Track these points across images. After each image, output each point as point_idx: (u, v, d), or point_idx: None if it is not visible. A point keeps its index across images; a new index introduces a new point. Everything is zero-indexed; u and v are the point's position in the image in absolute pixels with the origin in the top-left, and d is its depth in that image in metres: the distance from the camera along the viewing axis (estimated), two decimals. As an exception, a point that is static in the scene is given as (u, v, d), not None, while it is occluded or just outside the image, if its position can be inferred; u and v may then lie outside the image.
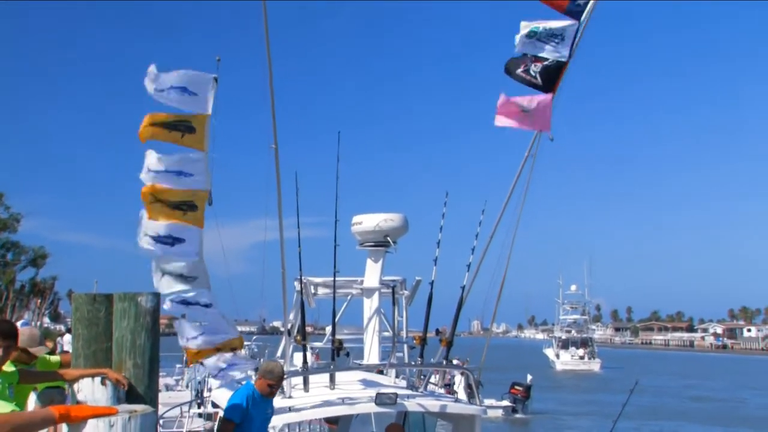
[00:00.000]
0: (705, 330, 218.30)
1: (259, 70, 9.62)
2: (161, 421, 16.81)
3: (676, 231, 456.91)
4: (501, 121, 10.27)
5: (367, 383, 9.82)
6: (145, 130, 9.47)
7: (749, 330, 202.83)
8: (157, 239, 9.58)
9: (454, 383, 19.76)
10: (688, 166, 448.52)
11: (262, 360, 10.84)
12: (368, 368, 10.79)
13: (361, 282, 11.79)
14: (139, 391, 5.34)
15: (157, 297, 5.72)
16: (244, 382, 8.96)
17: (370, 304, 11.60)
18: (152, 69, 9.55)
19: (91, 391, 5.00)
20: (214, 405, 11.04)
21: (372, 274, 11.57)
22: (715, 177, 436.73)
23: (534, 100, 10.22)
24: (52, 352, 13.37)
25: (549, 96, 10.27)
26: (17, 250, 75.98)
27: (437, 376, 11.05)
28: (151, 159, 9.43)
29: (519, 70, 10.26)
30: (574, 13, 10.05)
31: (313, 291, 11.44)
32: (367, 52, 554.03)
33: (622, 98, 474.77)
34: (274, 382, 8.03)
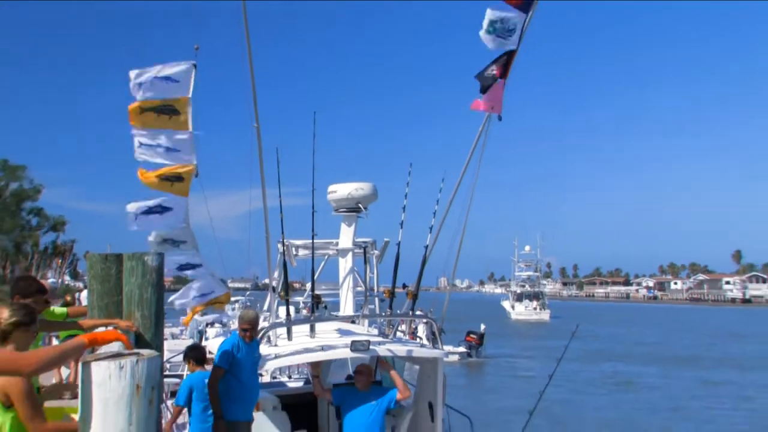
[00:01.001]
0: (639, 284, 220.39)
1: (242, 53, 9.66)
2: (167, 365, 16.87)
3: (617, 195, 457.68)
4: (474, 106, 10.45)
5: (343, 332, 9.84)
6: (136, 118, 9.76)
7: (676, 283, 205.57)
8: (149, 210, 9.91)
9: (417, 331, 19.88)
10: (628, 134, 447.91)
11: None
12: (344, 319, 10.86)
13: (337, 243, 11.83)
14: (146, 339, 5.40)
15: (161, 257, 5.73)
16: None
17: (344, 263, 11.65)
18: (132, 74, 9.76)
19: (104, 338, 5.07)
20: (209, 352, 11.17)
21: (346, 236, 11.60)
22: (650, 146, 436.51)
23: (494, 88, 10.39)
24: (71, 305, 13.52)
25: (501, 81, 10.37)
26: (41, 217, 76.32)
27: (404, 325, 11.14)
28: (142, 138, 9.76)
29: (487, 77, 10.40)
30: (525, 6, 10.15)
31: (294, 252, 11.47)
32: (343, 37, 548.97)
33: (564, 74, 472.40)
34: (247, 326, 8.12)
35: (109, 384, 4.15)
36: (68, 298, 18.63)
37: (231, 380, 8.10)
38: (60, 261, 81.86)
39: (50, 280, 38.74)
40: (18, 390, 4.56)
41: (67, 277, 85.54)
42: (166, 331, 28.14)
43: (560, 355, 10.40)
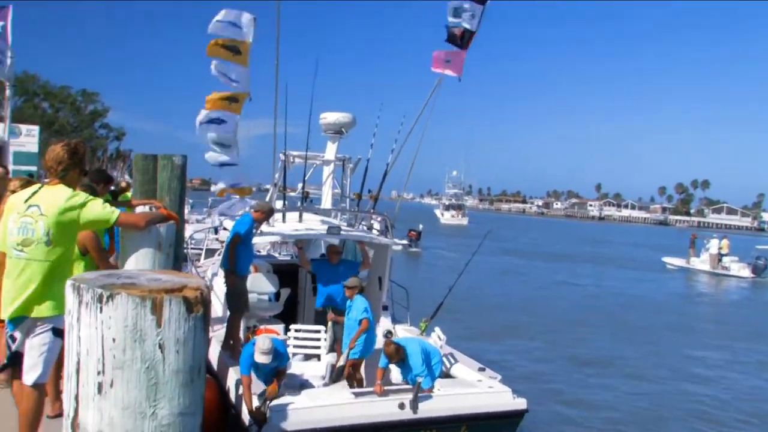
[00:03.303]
0: (532, 203, 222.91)
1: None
2: (193, 241, 16.70)
3: (522, 136, 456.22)
4: (436, 69, 10.34)
5: (323, 221, 9.72)
6: (211, 49, 9.86)
7: (557, 204, 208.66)
8: (211, 120, 10.07)
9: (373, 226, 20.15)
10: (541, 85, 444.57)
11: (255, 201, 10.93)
12: (324, 211, 10.74)
13: (323, 156, 11.56)
14: (171, 215, 5.52)
15: (185, 158, 5.84)
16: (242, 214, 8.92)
17: (327, 171, 11.45)
18: (222, 13, 9.85)
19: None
20: (224, 229, 11.15)
21: (330, 151, 11.36)
22: (550, 94, 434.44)
23: (454, 54, 10.33)
24: (126, 189, 13.67)
25: (463, 51, 10.35)
26: (108, 129, 78.01)
27: (364, 222, 11.04)
28: (215, 70, 9.91)
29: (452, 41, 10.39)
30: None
31: (292, 160, 11.28)
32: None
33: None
34: (264, 214, 8.05)
35: (141, 242, 4.34)
36: (123, 184, 18.32)
37: (242, 247, 7.99)
38: (122, 164, 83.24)
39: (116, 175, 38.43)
40: (91, 242, 5.23)
41: (126, 176, 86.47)
42: (193, 218, 28.11)
43: (475, 250, 10.38)
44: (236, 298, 7.97)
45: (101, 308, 2.50)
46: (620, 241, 72.94)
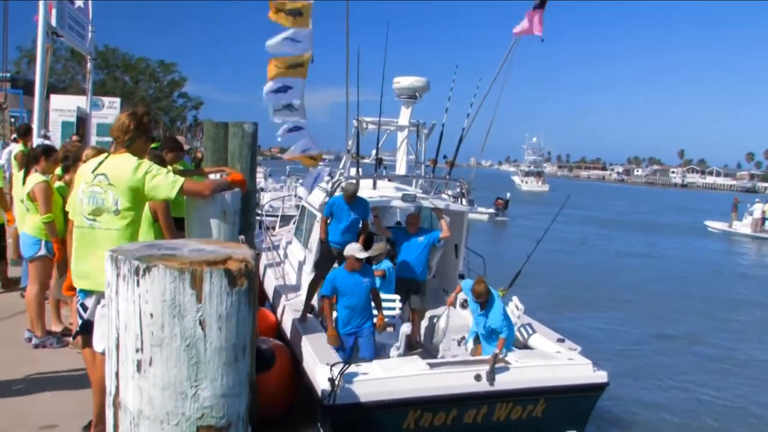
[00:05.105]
0: (612, 170, 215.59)
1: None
2: (270, 206, 16.73)
3: (603, 102, 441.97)
4: (517, 33, 9.94)
5: (397, 188, 9.39)
6: (271, 15, 9.51)
7: (637, 171, 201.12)
8: (276, 90, 9.64)
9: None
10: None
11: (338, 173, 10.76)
12: (398, 177, 10.38)
13: (397, 122, 11.11)
14: (244, 183, 5.38)
15: (255, 125, 5.71)
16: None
17: (401, 137, 10.99)
18: None
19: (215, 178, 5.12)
20: (298, 196, 10.97)
21: (404, 116, 10.88)
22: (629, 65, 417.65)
23: (532, 14, 9.86)
24: (202, 160, 13.45)
25: (540, 10, 9.84)
26: (186, 99, 78.69)
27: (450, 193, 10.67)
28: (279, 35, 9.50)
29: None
30: None
31: (365, 126, 10.97)
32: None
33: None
34: (348, 195, 7.96)
35: (206, 210, 4.29)
36: (198, 155, 18.50)
37: (332, 223, 8.13)
38: (200, 134, 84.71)
39: (196, 145, 39.06)
40: (161, 210, 5.06)
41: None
42: (271, 185, 28.44)
43: (554, 216, 9.93)
44: (322, 263, 8.17)
45: (138, 281, 2.24)
46: (703, 209, 69.48)
